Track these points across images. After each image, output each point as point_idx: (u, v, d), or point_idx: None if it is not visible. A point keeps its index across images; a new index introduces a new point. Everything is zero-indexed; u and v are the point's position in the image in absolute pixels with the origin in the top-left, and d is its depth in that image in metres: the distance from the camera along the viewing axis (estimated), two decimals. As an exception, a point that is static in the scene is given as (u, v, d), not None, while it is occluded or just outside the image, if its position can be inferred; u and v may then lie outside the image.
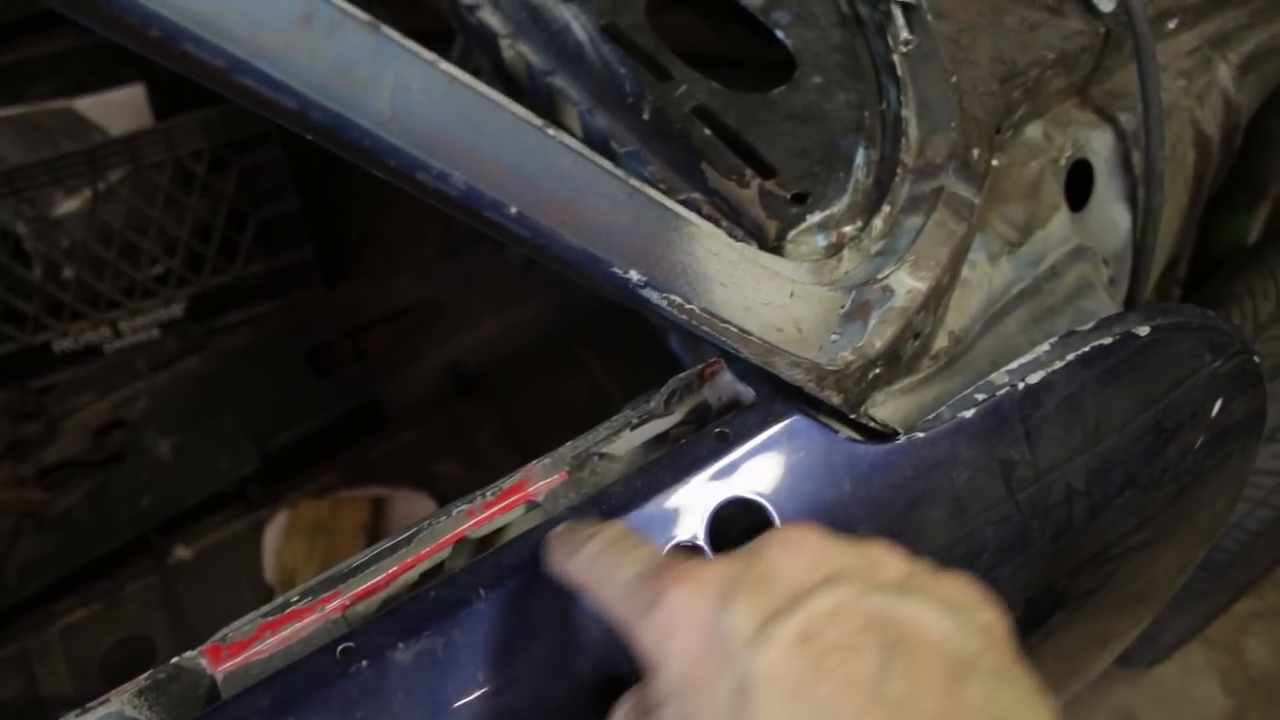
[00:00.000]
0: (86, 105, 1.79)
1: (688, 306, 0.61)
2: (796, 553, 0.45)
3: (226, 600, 1.58)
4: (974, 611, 0.45)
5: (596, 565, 0.52)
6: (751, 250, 0.66)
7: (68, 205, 1.66)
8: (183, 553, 1.63)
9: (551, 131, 0.57)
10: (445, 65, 0.53)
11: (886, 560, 0.47)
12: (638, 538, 0.53)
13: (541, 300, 1.80)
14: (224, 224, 1.71)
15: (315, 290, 1.84)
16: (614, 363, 1.74)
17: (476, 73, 1.38)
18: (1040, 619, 0.89)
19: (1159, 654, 1.69)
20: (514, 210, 0.53)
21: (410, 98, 0.51)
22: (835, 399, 0.70)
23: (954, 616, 0.43)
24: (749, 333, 0.64)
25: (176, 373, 1.74)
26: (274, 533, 1.64)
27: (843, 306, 0.71)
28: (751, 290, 0.65)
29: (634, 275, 0.58)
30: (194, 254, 1.72)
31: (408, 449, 1.72)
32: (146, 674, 0.61)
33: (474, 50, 1.19)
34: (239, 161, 1.66)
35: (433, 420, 1.75)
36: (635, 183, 0.60)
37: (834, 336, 0.70)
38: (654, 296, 0.59)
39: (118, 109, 1.81)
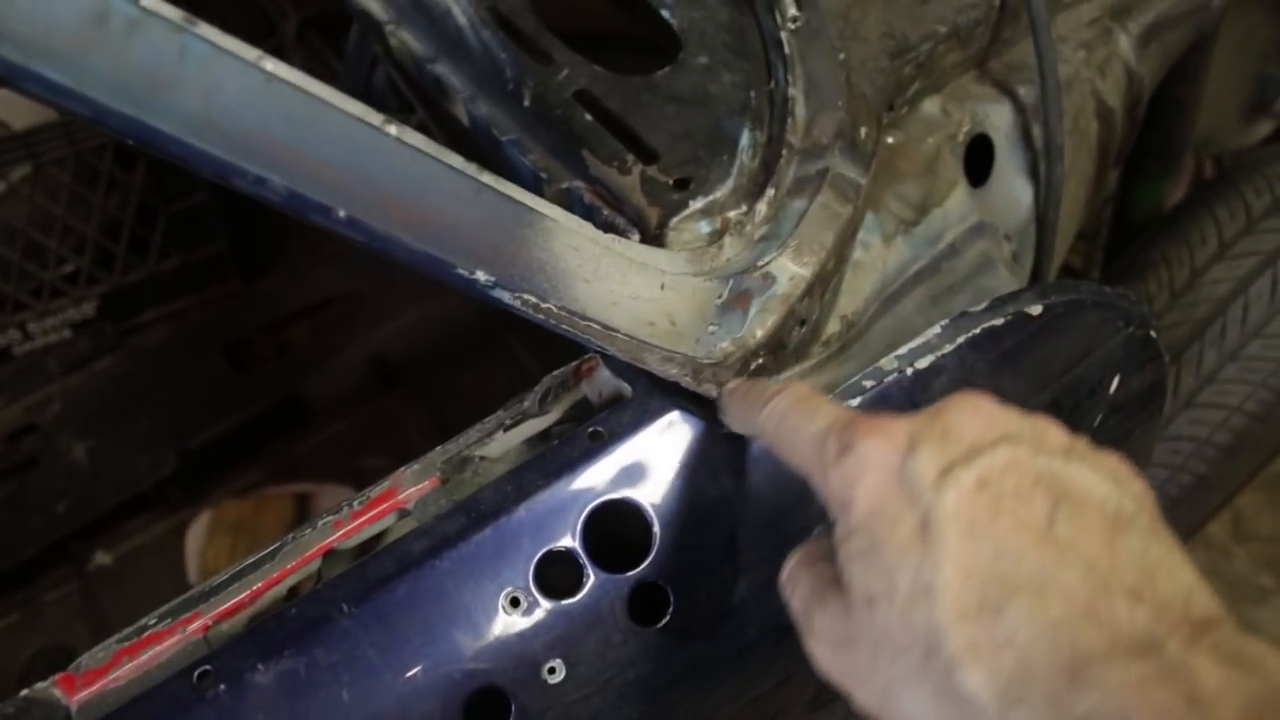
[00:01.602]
0: (-15, 100, 1.72)
1: (543, 305, 0.59)
2: (975, 415, 0.51)
3: (150, 605, 1.51)
4: (1129, 481, 0.50)
5: (788, 418, 0.57)
6: (618, 242, 0.64)
7: (-33, 205, 1.60)
8: (102, 558, 1.59)
9: (391, 129, 0.54)
10: (270, 63, 0.51)
11: (1053, 430, 0.51)
12: (822, 394, 0.59)
13: (465, 288, 1.76)
14: (133, 220, 1.66)
15: (233, 285, 1.80)
16: (542, 351, 1.72)
17: (374, 61, 1.33)
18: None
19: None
20: (343, 214, 0.51)
21: (225, 99, 0.48)
22: (714, 392, 0.68)
23: (1112, 482, 0.48)
24: (614, 329, 0.62)
25: (90, 374, 1.69)
26: (196, 534, 1.61)
27: (720, 296, 0.69)
28: (618, 284, 0.63)
29: (481, 275, 0.56)
30: (104, 252, 1.67)
31: (333, 443, 1.69)
32: (-5, 707, 0.59)
33: (368, 37, 1.15)
34: (146, 155, 1.61)
35: (358, 413, 1.71)
36: (487, 178, 0.58)
37: (711, 328, 0.68)
38: (505, 296, 0.57)
39: (19, 103, 1.75)
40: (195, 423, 1.65)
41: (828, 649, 0.52)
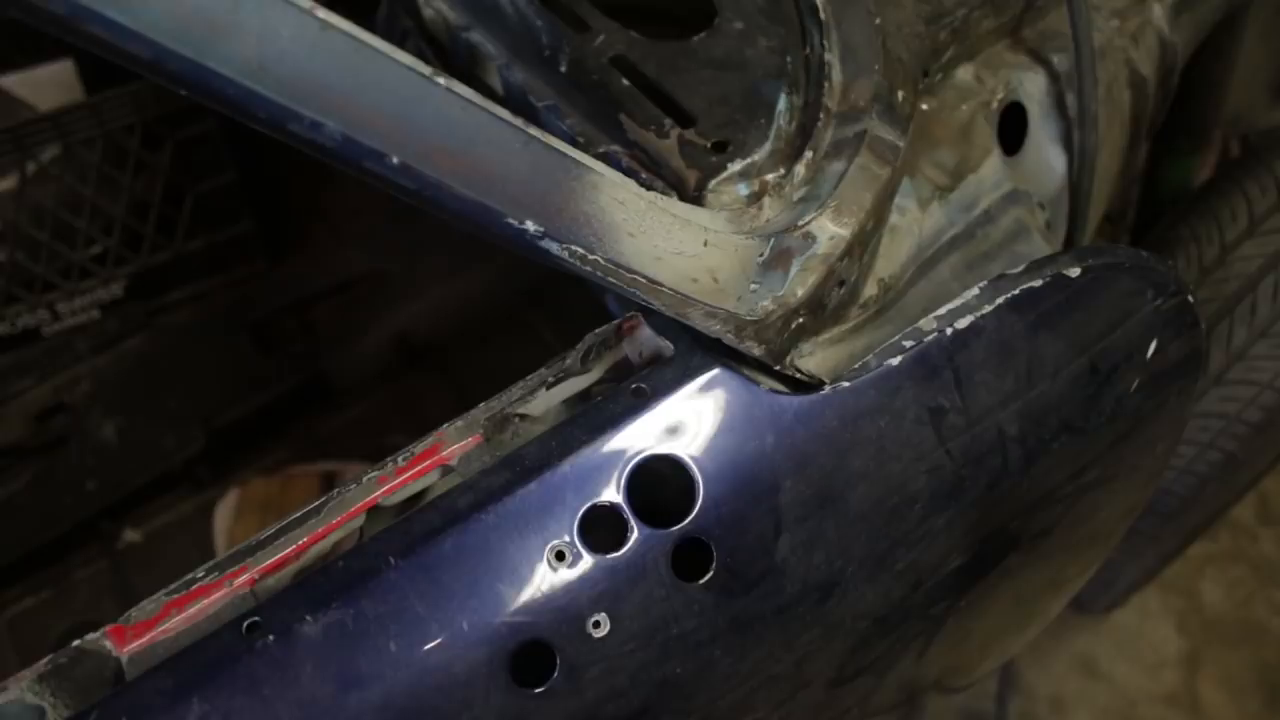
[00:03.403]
0: (13, 82, 1.73)
1: (590, 257, 0.59)
2: None
3: (179, 582, 1.56)
4: None
5: None
6: (662, 199, 0.64)
7: (-2, 186, 1.61)
8: (132, 536, 1.60)
9: (441, 79, 0.54)
10: (322, 12, 0.51)
11: None
12: None
13: (489, 266, 1.77)
14: (161, 200, 1.66)
15: (258, 265, 1.80)
16: (565, 327, 1.72)
17: (404, 35, 1.34)
18: (996, 560, 0.88)
19: (1115, 599, 1.69)
20: (396, 160, 0.51)
21: (280, 45, 0.48)
22: (756, 350, 0.68)
23: None
24: (660, 283, 0.62)
25: (118, 354, 1.70)
26: (224, 512, 1.62)
27: (761, 255, 0.69)
28: (662, 240, 0.63)
29: (530, 226, 0.56)
30: (131, 232, 1.67)
31: (357, 422, 1.70)
32: (47, 658, 0.59)
33: (399, 11, 1.15)
34: (173, 135, 1.62)
35: (382, 392, 1.72)
36: (534, 131, 0.58)
37: (754, 286, 0.68)
38: (554, 248, 0.57)
39: (47, 85, 1.76)
40: (222, 402, 1.66)
41: None
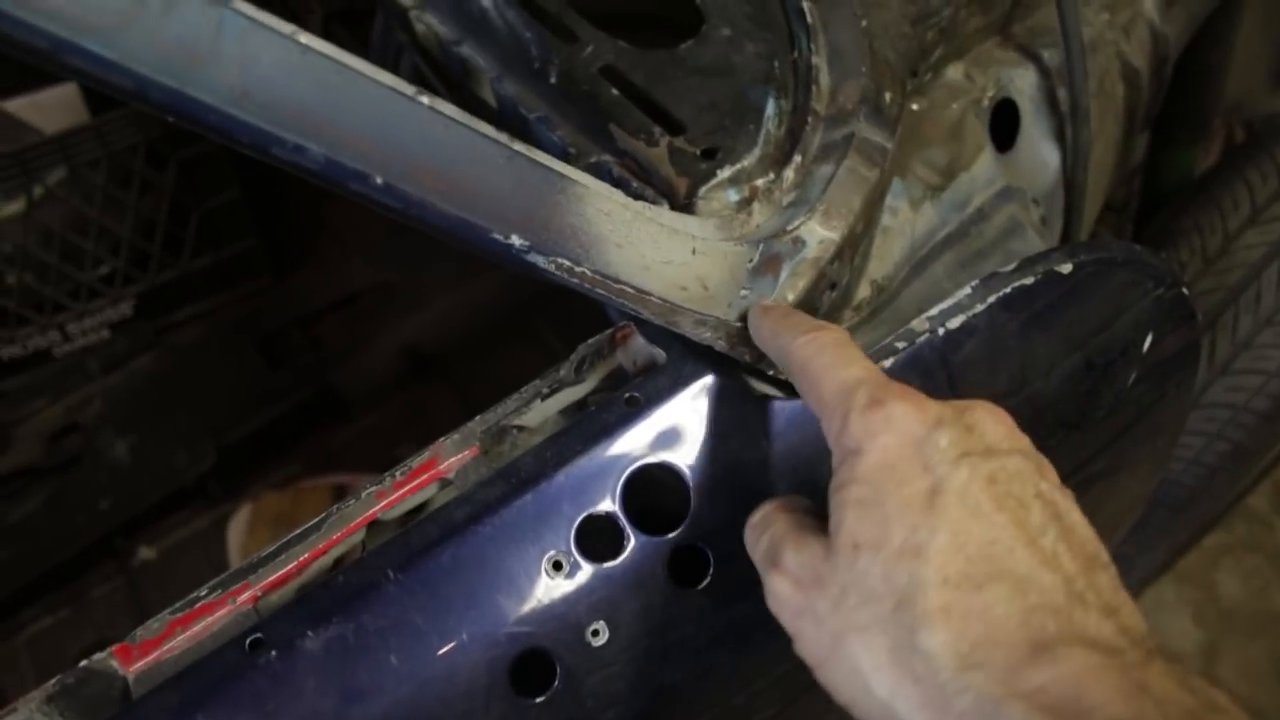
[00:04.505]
0: (19, 106, 1.75)
1: (578, 269, 0.59)
2: (998, 423, 0.54)
3: (194, 598, 1.57)
4: (1102, 541, 0.53)
5: (825, 353, 0.58)
6: (648, 208, 0.65)
7: (5, 209, 1.63)
8: (146, 553, 1.62)
9: (424, 99, 0.55)
10: (304, 36, 0.52)
11: (1053, 469, 0.55)
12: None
13: (495, 276, 1.78)
14: (166, 219, 1.68)
15: (265, 280, 1.82)
16: (571, 335, 1.72)
17: (398, 50, 1.35)
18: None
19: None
20: (380, 181, 0.52)
21: (261, 71, 0.49)
22: (748, 356, 0.68)
23: (1093, 530, 0.52)
24: (648, 293, 0.63)
25: (129, 372, 1.72)
26: (237, 527, 1.63)
27: (751, 261, 0.69)
28: (649, 249, 0.63)
29: (516, 240, 0.57)
30: (139, 251, 1.69)
31: (367, 435, 1.71)
32: (56, 679, 0.60)
33: (393, 26, 1.16)
34: (176, 154, 1.63)
35: (391, 404, 1.73)
36: (518, 146, 0.59)
37: (744, 292, 0.68)
38: (540, 261, 0.58)
39: (52, 108, 1.78)
40: (232, 417, 1.68)
41: (790, 586, 0.54)
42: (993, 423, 0.54)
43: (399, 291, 1.80)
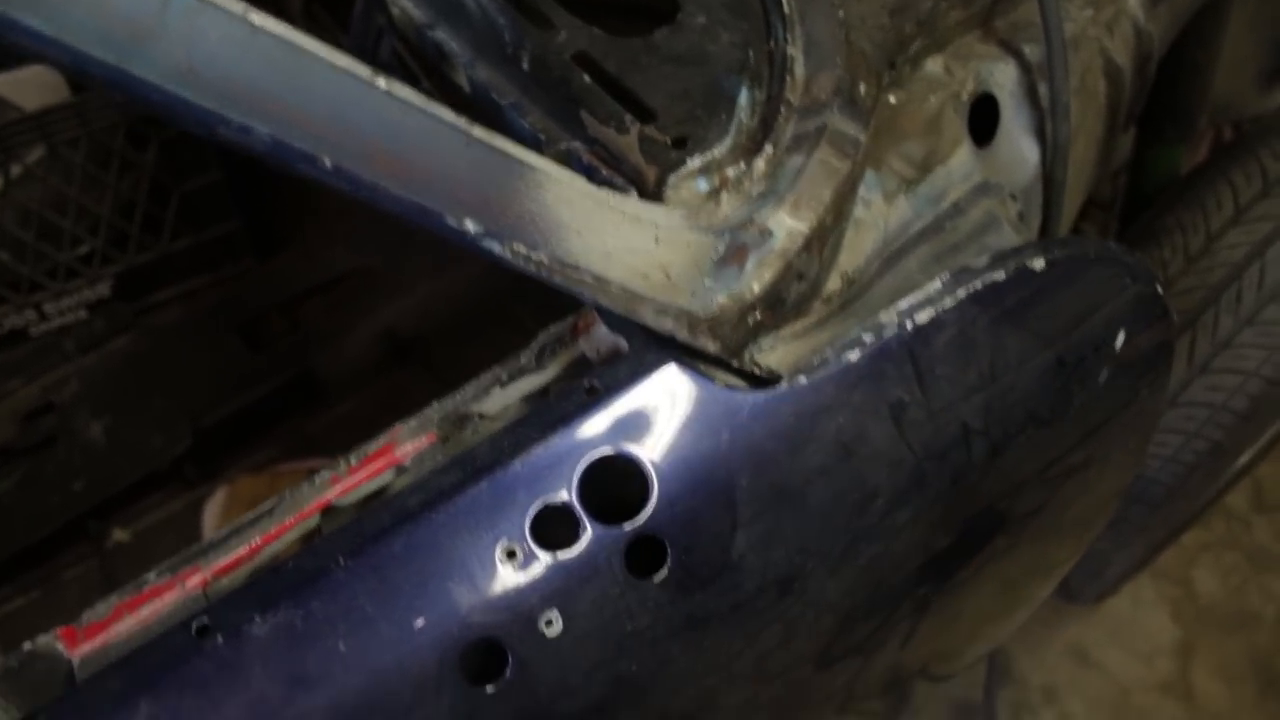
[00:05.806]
0: (-1, 83, 1.73)
1: (534, 256, 0.59)
2: None
3: (169, 581, 1.56)
4: None
5: None
6: (610, 195, 0.64)
7: (-18, 187, 1.61)
8: (120, 535, 1.61)
9: (380, 82, 0.54)
10: (255, 16, 0.51)
11: None
12: None
13: (476, 263, 1.75)
14: (147, 199, 1.66)
15: (246, 263, 1.80)
16: (551, 321, 1.72)
17: (379, 33, 1.33)
18: (971, 550, 0.88)
19: (1105, 588, 1.69)
20: (328, 163, 0.51)
21: (208, 49, 0.48)
22: (711, 346, 0.68)
23: None
24: (608, 280, 0.62)
25: (106, 353, 1.70)
26: (213, 510, 1.62)
27: (716, 251, 0.68)
28: (611, 237, 0.63)
29: (470, 226, 0.56)
30: (118, 232, 1.68)
31: (346, 419, 1.70)
32: (-1, 661, 0.60)
33: (373, 8, 1.15)
34: (158, 134, 1.62)
35: (371, 389, 1.72)
36: (478, 132, 0.58)
37: (708, 281, 0.68)
38: (495, 247, 0.57)
39: (32, 86, 1.76)
40: (210, 400, 1.67)
41: None
42: None
43: (381, 276, 1.79)
